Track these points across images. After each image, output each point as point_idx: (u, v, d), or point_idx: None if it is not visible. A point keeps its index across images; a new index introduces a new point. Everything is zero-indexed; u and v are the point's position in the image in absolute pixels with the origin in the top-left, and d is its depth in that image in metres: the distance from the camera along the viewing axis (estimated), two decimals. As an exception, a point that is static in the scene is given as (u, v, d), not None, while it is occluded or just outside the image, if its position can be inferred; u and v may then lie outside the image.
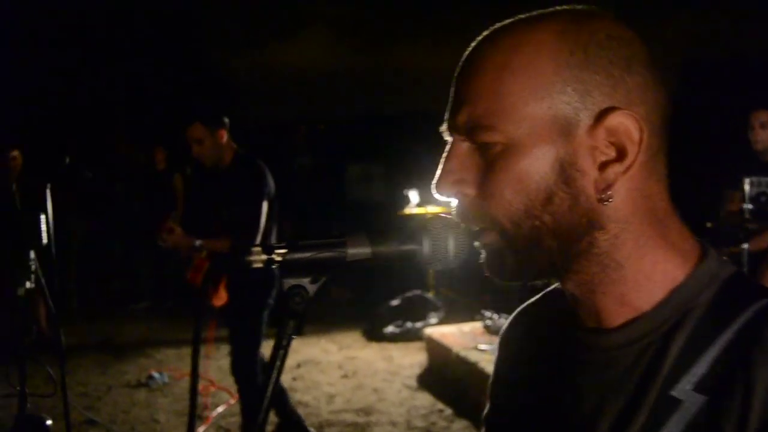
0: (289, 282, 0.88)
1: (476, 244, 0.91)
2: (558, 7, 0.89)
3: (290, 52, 13.60)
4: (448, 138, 0.91)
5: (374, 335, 7.48)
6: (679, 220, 0.91)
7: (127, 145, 10.27)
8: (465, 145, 0.88)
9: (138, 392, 6.05)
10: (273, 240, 4.41)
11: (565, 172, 0.83)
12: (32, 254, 2.44)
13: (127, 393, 6.04)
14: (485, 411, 1.15)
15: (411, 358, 6.65)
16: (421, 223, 0.90)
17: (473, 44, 0.90)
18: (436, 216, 0.92)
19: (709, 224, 4.76)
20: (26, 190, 6.80)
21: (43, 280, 2.76)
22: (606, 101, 0.83)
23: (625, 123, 0.83)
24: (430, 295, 7.90)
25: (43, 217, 2.46)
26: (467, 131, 0.87)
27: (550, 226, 0.85)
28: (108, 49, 11.97)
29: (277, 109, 13.31)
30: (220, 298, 4.33)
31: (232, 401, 5.61)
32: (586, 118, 0.83)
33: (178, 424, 5.29)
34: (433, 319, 7.37)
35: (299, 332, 0.88)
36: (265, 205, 4.22)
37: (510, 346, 1.12)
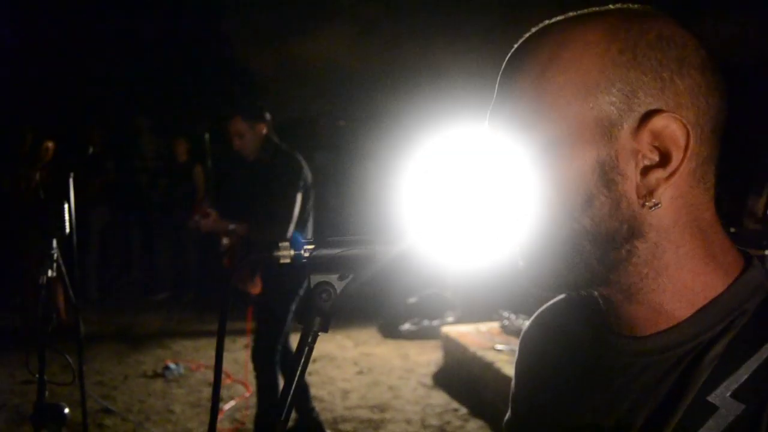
0: (317, 278, 0.87)
1: (516, 252, 0.89)
2: (611, 6, 0.87)
3: (313, 48, 13.62)
4: (490, 137, 0.89)
5: (391, 332, 7.47)
6: (723, 232, 0.88)
7: (150, 137, 10.33)
8: (506, 144, 0.87)
9: (154, 382, 6.08)
10: (309, 232, 4.50)
11: (606, 175, 0.81)
12: (54, 243, 2.45)
13: (143, 383, 6.07)
14: (506, 417, 1.13)
15: (427, 356, 6.64)
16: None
17: (520, 41, 0.88)
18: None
19: (732, 229, 4.71)
20: (50, 179, 6.88)
21: (63, 269, 2.77)
22: (653, 103, 0.80)
23: (671, 127, 0.80)
24: (447, 293, 7.88)
25: (66, 206, 2.47)
26: (509, 129, 0.86)
27: (590, 230, 0.82)
28: (132, 40, 12.04)
29: (299, 105, 13.33)
30: (257, 285, 4.37)
31: (247, 394, 5.63)
32: (630, 120, 0.80)
33: (192, 415, 5.31)
34: (451, 318, 7.35)
35: (326, 329, 0.87)
36: (299, 197, 4.27)
37: (532, 351, 1.10)
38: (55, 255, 2.44)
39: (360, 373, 6.31)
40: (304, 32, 13.56)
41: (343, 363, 6.62)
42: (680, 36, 0.83)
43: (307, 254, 0.86)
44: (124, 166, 9.58)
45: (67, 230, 2.47)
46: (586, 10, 0.87)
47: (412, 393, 5.75)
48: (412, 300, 7.65)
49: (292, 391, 0.85)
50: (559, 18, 0.87)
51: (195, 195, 9.17)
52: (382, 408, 5.41)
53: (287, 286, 4.32)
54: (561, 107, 0.81)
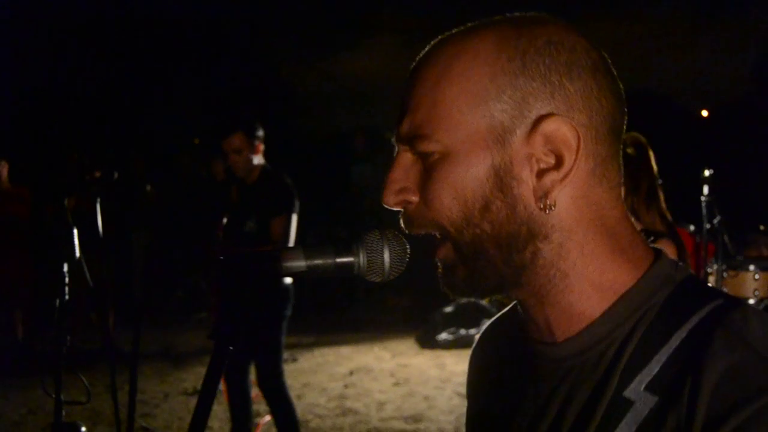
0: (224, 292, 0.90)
1: (436, 259, 0.91)
2: (507, 15, 0.89)
3: (354, 62, 13.71)
4: (395, 149, 0.91)
5: (428, 342, 7.47)
6: (631, 227, 0.89)
7: (188, 158, 10.54)
8: (408, 155, 0.89)
9: (194, 400, 6.12)
10: None
11: (501, 180, 0.83)
12: (66, 267, 2.53)
13: (183, 401, 6.17)
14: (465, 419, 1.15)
15: (463, 366, 6.55)
16: (357, 236, 0.91)
17: (421, 54, 0.90)
18: (373, 228, 0.92)
19: (761, 227, 4.63)
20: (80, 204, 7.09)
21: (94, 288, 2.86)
22: (543, 108, 0.82)
23: (562, 129, 0.81)
24: (484, 302, 7.84)
25: (75, 231, 2.56)
26: (408, 141, 0.87)
27: (491, 234, 0.84)
28: (175, 60, 12.29)
29: (338, 119, 13.43)
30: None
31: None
32: (522, 126, 0.82)
33: None
34: (487, 326, 7.31)
35: (235, 343, 0.89)
36: (294, 220, 4.24)
37: (478, 358, 1.12)
38: (67, 279, 2.52)
39: (396, 384, 6.31)
40: (345, 47, 13.67)
41: (380, 375, 6.63)
42: (570, 40, 0.84)
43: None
44: (163, 188, 9.78)
45: (78, 254, 2.55)
46: (480, 21, 0.89)
47: (447, 403, 5.74)
48: (448, 309, 7.65)
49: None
50: (455, 30, 0.89)
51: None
52: (416, 419, 5.41)
53: (275, 309, 4.26)
54: (455, 117, 0.83)
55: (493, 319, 1.13)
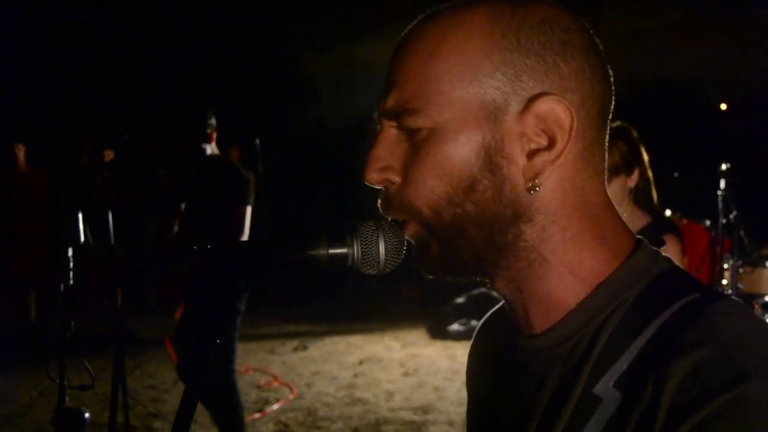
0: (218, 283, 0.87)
1: (405, 236, 0.88)
2: None
3: (371, 52, 13.69)
4: (378, 125, 0.88)
5: (438, 333, 7.45)
6: (615, 215, 0.86)
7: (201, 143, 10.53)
8: (393, 132, 0.86)
9: (203, 386, 6.17)
10: None
11: (491, 159, 0.80)
12: (70, 252, 2.52)
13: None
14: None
15: (474, 357, 6.58)
16: (352, 226, 0.88)
17: (408, 27, 0.87)
18: (368, 218, 0.89)
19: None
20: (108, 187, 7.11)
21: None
22: (537, 87, 0.80)
23: (555, 109, 0.79)
24: (495, 292, 7.81)
25: (80, 214, 2.54)
26: (395, 116, 0.85)
27: (474, 214, 0.82)
28: (186, 45, 12.30)
29: (353, 109, 13.42)
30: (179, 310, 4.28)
31: (292, 397, 5.69)
32: (515, 104, 0.80)
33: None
34: (499, 318, 7.28)
35: (223, 336, 0.86)
36: (248, 212, 4.13)
37: (474, 352, 1.11)
38: (71, 263, 2.51)
39: (406, 374, 6.30)
40: (362, 36, 13.64)
41: (390, 364, 6.62)
42: (564, 20, 0.82)
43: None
44: (176, 173, 9.79)
45: (82, 239, 2.53)
46: None
47: (456, 394, 5.71)
48: (460, 300, 7.62)
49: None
50: (446, 5, 0.86)
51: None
52: (425, 410, 5.39)
53: (227, 303, 4.19)
54: (446, 92, 0.81)
55: (489, 313, 1.11)
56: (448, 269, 0.87)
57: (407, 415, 5.29)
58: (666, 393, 0.70)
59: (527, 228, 0.82)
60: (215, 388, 4.26)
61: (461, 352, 6.85)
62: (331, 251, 0.87)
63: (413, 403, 5.54)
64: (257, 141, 9.63)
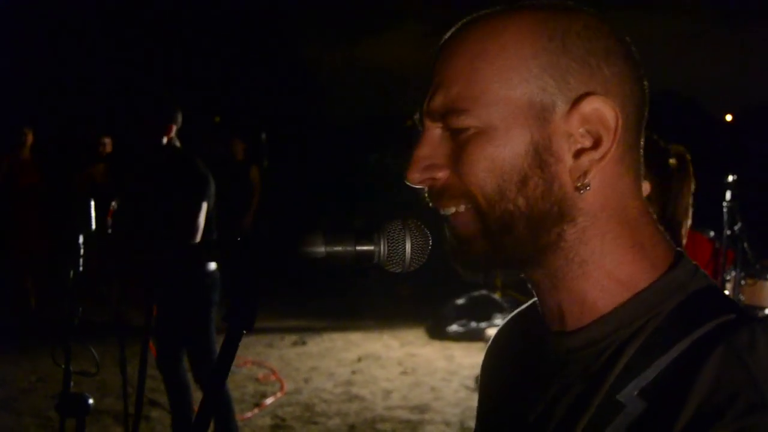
0: (242, 275, 0.88)
1: (446, 231, 0.90)
2: (539, 0, 0.88)
3: (380, 49, 13.71)
4: (420, 126, 0.90)
5: (437, 333, 7.46)
6: (653, 223, 0.88)
7: (208, 136, 10.55)
8: (438, 132, 0.87)
9: (202, 377, 6.19)
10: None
11: (540, 156, 0.82)
12: (81, 239, 2.53)
13: (191, 377, 6.19)
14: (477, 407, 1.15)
15: (472, 359, 6.60)
16: (379, 225, 0.89)
17: (452, 29, 0.89)
18: (395, 217, 0.90)
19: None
20: (108, 174, 7.10)
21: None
22: (582, 88, 0.82)
23: (601, 109, 0.82)
24: (496, 295, 7.82)
25: (92, 202, 2.55)
26: (441, 116, 0.86)
27: (524, 210, 0.83)
28: (196, 43, 12.31)
29: (360, 104, 13.42)
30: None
31: (280, 395, 5.70)
32: (562, 104, 0.82)
33: (236, 410, 5.39)
34: (498, 320, 7.29)
35: (249, 328, 0.88)
36: (204, 206, 4.00)
37: (497, 348, 1.12)
38: (82, 250, 2.52)
39: (404, 373, 6.31)
40: (372, 33, 13.65)
41: (388, 363, 6.63)
42: (605, 28, 0.85)
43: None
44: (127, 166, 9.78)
45: (93, 226, 2.54)
46: (516, 3, 0.88)
47: (453, 395, 5.73)
48: (460, 301, 7.63)
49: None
50: (490, 9, 0.88)
51: (251, 194, 9.32)
52: (422, 409, 5.40)
53: (203, 299, 4.09)
54: (494, 92, 0.83)
55: (511, 315, 1.13)
56: (489, 265, 0.89)
57: (404, 414, 5.31)
58: (687, 410, 0.72)
59: (569, 228, 0.84)
60: (200, 380, 4.28)
61: (459, 353, 6.87)
62: (359, 248, 0.88)
63: (410, 402, 5.56)
64: (263, 136, 9.67)
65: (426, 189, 0.89)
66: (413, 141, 0.90)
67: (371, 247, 0.88)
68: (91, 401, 2.51)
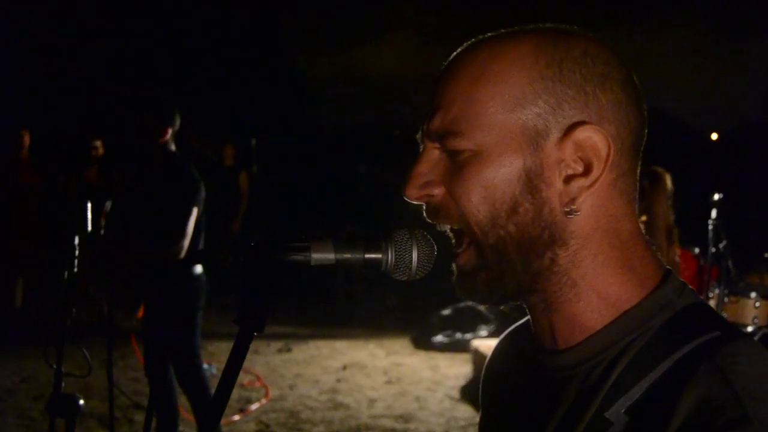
0: (254, 281, 0.91)
1: (452, 266, 0.92)
2: (540, 24, 0.91)
3: (370, 57, 13.75)
4: (420, 145, 0.92)
5: (422, 343, 7.48)
6: (644, 243, 0.90)
7: (199, 140, 10.54)
8: (436, 153, 0.90)
9: (186, 381, 6.18)
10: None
11: (531, 182, 0.85)
12: (76, 240, 2.54)
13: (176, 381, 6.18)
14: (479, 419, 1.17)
15: (457, 369, 6.63)
16: (387, 233, 0.92)
17: (454, 53, 0.92)
18: (402, 227, 0.93)
19: (767, 254, 4.63)
20: (99, 176, 7.08)
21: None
22: (577, 116, 0.84)
23: (593, 138, 0.84)
24: (482, 307, 7.84)
25: (89, 204, 2.57)
26: (439, 137, 0.88)
27: (515, 237, 0.86)
28: (185, 43, 12.29)
29: (351, 111, 13.45)
30: (139, 309, 4.22)
31: (264, 401, 5.70)
32: (555, 131, 0.84)
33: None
34: (483, 332, 7.33)
35: (260, 330, 0.91)
36: (194, 213, 4.00)
37: (494, 364, 1.14)
38: (77, 252, 2.54)
39: (388, 382, 6.33)
40: (365, 41, 13.70)
41: (373, 371, 6.65)
42: (604, 54, 0.87)
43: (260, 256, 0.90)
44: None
45: (90, 228, 2.56)
46: (516, 28, 0.91)
47: (438, 405, 5.75)
48: (446, 312, 7.65)
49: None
50: (491, 33, 0.91)
51: (239, 199, 9.32)
52: (406, 418, 5.42)
53: (189, 303, 4.11)
54: (490, 116, 0.85)
55: (505, 333, 1.15)
56: (492, 296, 0.91)
57: (388, 423, 5.32)
58: (672, 426, 0.74)
59: (561, 252, 0.86)
60: (185, 383, 4.27)
61: (444, 363, 6.89)
62: (367, 256, 0.91)
63: (395, 411, 5.57)
64: (253, 141, 9.67)
65: (423, 205, 0.92)
66: (411, 158, 0.93)
67: (379, 255, 0.91)
68: (81, 402, 2.52)
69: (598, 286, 0.87)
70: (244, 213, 9.45)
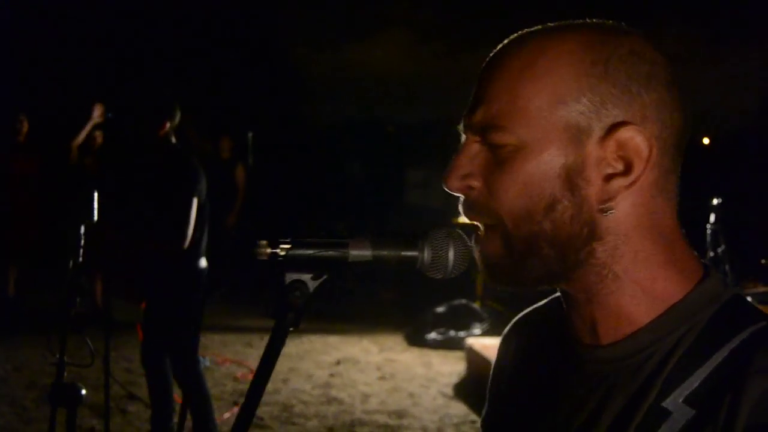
0: (291, 276, 0.91)
1: (473, 246, 0.92)
2: (587, 20, 0.91)
3: (367, 54, 13.69)
4: (462, 137, 0.93)
5: (416, 340, 7.49)
6: (684, 240, 0.91)
7: (196, 133, 10.49)
8: (477, 146, 0.90)
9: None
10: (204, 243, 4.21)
11: (572, 180, 0.85)
12: (82, 230, 2.53)
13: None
14: (483, 413, 1.16)
15: (450, 367, 6.65)
16: (424, 231, 0.93)
17: (499, 46, 0.92)
18: (439, 225, 0.94)
19: (763, 261, 4.65)
20: (97, 167, 7.04)
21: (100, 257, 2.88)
22: (620, 115, 0.84)
23: (636, 138, 0.84)
24: (476, 305, 7.87)
25: (96, 194, 2.56)
26: (481, 131, 0.89)
27: (549, 233, 0.86)
28: (186, 40, 12.23)
29: (345, 109, 13.42)
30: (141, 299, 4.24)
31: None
32: (598, 129, 0.84)
33: (214, 407, 5.38)
34: (477, 330, 7.35)
35: (297, 325, 0.91)
36: (195, 203, 4.02)
37: (511, 350, 1.13)
38: (82, 241, 2.53)
39: (382, 378, 6.34)
40: (359, 38, 13.64)
41: (367, 367, 6.66)
42: (651, 53, 0.87)
43: (282, 252, 0.90)
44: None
45: (95, 217, 2.55)
46: (563, 22, 0.91)
47: (431, 402, 5.77)
48: (440, 309, 7.66)
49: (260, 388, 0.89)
50: (537, 27, 0.91)
51: (235, 193, 9.30)
52: (400, 414, 5.43)
53: (186, 293, 4.14)
54: (533, 111, 0.85)
55: (531, 308, 1.13)
56: (517, 284, 0.91)
57: (382, 419, 5.33)
58: (741, 414, 0.75)
59: (599, 246, 0.87)
60: (181, 377, 4.28)
61: (437, 360, 6.91)
62: (404, 253, 0.91)
63: (388, 407, 5.58)
64: (250, 135, 9.65)
65: (461, 198, 0.92)
66: (450, 150, 0.93)
67: (415, 253, 0.92)
68: (83, 392, 2.52)
69: (642, 281, 0.88)
70: (240, 206, 9.44)
